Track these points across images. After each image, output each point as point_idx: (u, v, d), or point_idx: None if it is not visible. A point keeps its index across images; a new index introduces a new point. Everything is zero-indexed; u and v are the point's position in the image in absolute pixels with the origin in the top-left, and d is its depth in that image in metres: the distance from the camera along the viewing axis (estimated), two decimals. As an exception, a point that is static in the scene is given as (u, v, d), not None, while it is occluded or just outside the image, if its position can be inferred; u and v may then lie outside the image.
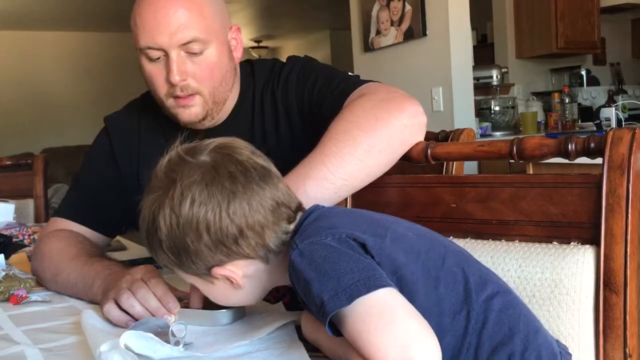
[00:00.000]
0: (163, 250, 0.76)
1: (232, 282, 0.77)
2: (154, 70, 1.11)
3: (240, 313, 0.90)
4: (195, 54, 1.09)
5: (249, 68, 1.26)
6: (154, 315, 0.85)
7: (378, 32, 3.83)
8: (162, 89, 1.12)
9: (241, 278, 0.77)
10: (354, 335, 0.63)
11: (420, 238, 0.75)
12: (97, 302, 0.97)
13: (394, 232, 0.73)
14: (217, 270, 0.76)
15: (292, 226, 0.77)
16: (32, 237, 1.61)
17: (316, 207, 0.79)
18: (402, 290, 0.67)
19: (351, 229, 0.71)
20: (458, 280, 0.72)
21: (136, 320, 0.85)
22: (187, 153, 0.77)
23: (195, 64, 1.10)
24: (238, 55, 1.20)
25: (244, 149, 0.78)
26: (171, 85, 1.10)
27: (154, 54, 1.09)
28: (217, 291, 0.80)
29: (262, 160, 0.79)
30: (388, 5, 3.72)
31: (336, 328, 0.66)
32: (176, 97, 1.11)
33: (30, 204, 2.17)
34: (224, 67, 1.14)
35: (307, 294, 0.67)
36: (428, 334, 0.62)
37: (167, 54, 1.08)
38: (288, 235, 0.76)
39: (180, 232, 0.73)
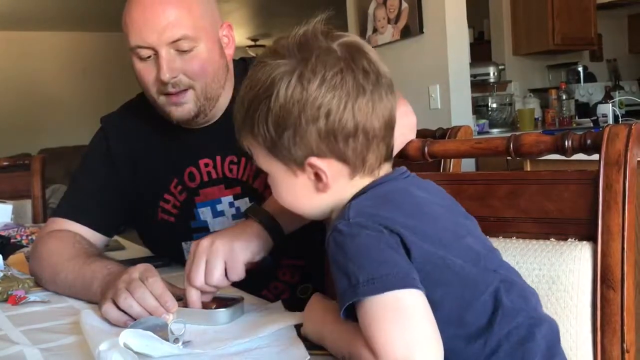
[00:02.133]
0: (266, 121, 0.71)
1: (318, 180, 0.73)
2: (145, 69, 1.11)
3: (239, 312, 0.90)
4: (185, 51, 1.09)
5: (243, 66, 1.26)
6: (152, 315, 0.86)
7: (375, 30, 3.83)
8: (153, 88, 1.12)
9: (328, 182, 0.72)
10: (368, 322, 0.63)
11: (477, 263, 0.72)
12: (95, 302, 0.97)
13: (456, 250, 0.71)
14: (314, 161, 0.71)
15: (367, 179, 0.74)
16: (30, 237, 1.61)
17: (393, 178, 0.75)
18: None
19: (408, 227, 0.68)
20: (487, 310, 0.70)
21: (135, 319, 0.85)
22: (324, 35, 0.73)
23: (185, 61, 1.10)
24: (230, 52, 1.20)
25: (374, 53, 0.74)
26: (162, 83, 1.10)
27: (144, 52, 1.09)
28: (292, 187, 0.75)
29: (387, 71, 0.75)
30: (385, 3, 3.72)
31: (347, 311, 0.66)
32: (168, 95, 1.12)
33: (28, 204, 2.17)
34: (215, 64, 1.14)
35: (340, 266, 0.66)
36: (436, 341, 0.63)
37: (157, 53, 1.08)
38: (365, 176, 0.74)
39: (296, 107, 0.69)
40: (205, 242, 0.89)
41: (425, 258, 0.68)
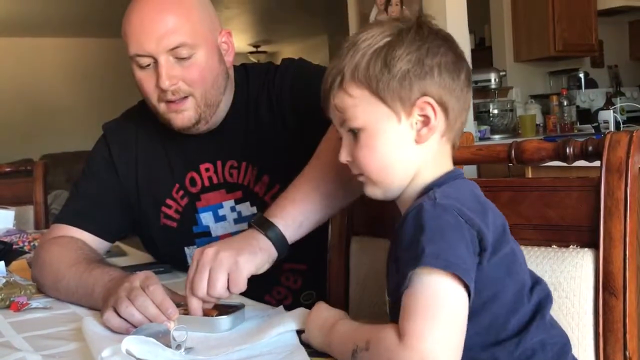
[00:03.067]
0: (386, 60, 0.74)
1: (423, 125, 0.75)
2: (145, 77, 1.12)
3: (240, 319, 0.90)
4: (184, 58, 1.10)
5: (243, 72, 1.27)
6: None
7: (376, 37, 3.84)
8: (153, 95, 1.13)
9: (434, 125, 0.75)
10: (414, 303, 0.65)
11: (523, 268, 0.77)
12: (97, 309, 0.97)
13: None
14: (429, 100, 0.75)
15: (447, 149, 0.79)
16: (32, 243, 1.61)
17: (461, 174, 0.80)
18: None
19: (487, 225, 0.71)
20: (527, 317, 0.74)
21: (136, 327, 0.85)
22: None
23: (184, 68, 1.10)
24: (230, 59, 1.20)
25: None
26: (162, 90, 1.10)
27: (144, 61, 1.10)
28: (390, 136, 0.76)
29: None
30: (386, 9, 3.73)
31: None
32: (168, 102, 1.12)
33: (30, 210, 2.17)
34: (215, 70, 1.15)
35: (411, 240, 0.68)
36: (459, 351, 0.65)
37: (156, 61, 1.09)
38: (447, 144, 0.79)
39: (419, 53, 0.74)
40: (210, 252, 0.88)
41: (493, 260, 0.71)
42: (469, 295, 0.66)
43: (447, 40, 0.78)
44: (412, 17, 0.79)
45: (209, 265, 0.87)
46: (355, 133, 0.77)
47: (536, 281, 0.78)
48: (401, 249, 0.70)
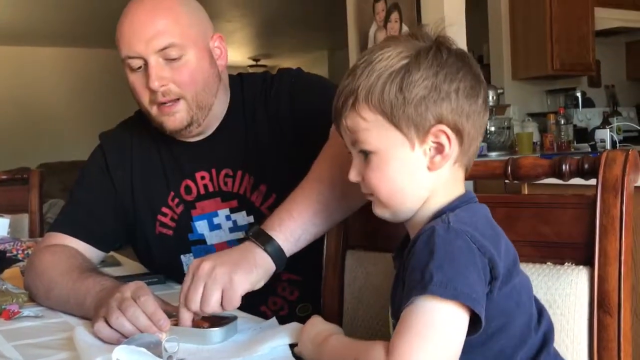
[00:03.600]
0: (401, 85, 0.72)
1: (436, 152, 0.74)
2: (136, 80, 1.13)
3: (232, 331, 0.89)
4: (174, 59, 1.11)
5: (239, 81, 1.27)
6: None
7: (375, 52, 3.86)
8: (145, 98, 1.14)
9: (448, 153, 0.74)
10: (410, 324, 0.64)
11: (531, 298, 0.77)
12: (89, 318, 0.97)
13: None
14: (444, 128, 0.73)
15: (459, 175, 0.77)
16: (26, 252, 1.60)
17: (474, 198, 0.78)
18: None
19: (499, 253, 0.70)
20: (534, 349, 0.74)
21: (127, 338, 0.85)
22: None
23: (174, 70, 1.11)
24: (222, 63, 1.21)
25: None
26: (152, 92, 1.11)
27: (135, 63, 1.11)
28: (403, 162, 0.74)
29: None
30: (385, 25, 3.76)
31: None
32: (160, 105, 1.13)
33: (25, 218, 2.16)
34: (205, 72, 1.15)
35: (420, 263, 0.67)
36: None
37: (146, 62, 1.10)
38: (459, 170, 0.77)
39: (436, 78, 0.72)
40: (206, 267, 0.88)
41: (504, 290, 0.70)
42: (480, 324, 0.65)
43: (465, 63, 0.75)
44: (430, 34, 0.76)
45: (204, 280, 0.87)
46: (366, 154, 0.76)
47: (540, 311, 0.77)
48: (409, 271, 0.68)
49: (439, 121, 0.73)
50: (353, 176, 0.78)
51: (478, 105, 0.75)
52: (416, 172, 0.75)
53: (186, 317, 0.88)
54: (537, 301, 0.78)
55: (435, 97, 0.72)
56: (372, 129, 0.74)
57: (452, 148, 0.74)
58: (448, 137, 0.73)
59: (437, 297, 0.64)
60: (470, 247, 0.67)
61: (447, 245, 0.67)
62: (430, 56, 0.73)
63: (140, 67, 1.12)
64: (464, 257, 0.67)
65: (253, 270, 0.90)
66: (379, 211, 0.78)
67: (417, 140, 0.73)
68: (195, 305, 0.87)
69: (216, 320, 0.90)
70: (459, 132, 0.74)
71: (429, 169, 0.74)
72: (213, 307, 0.86)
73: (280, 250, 0.93)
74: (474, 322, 0.66)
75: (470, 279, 0.65)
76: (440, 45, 0.75)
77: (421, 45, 0.75)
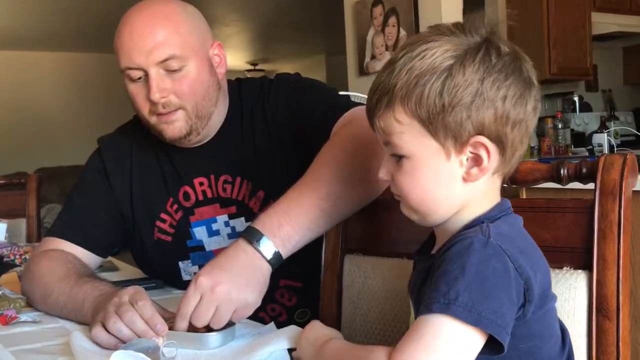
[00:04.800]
0: (441, 91, 0.66)
1: (473, 165, 0.68)
2: (136, 90, 1.12)
3: (230, 336, 0.89)
4: (174, 71, 1.11)
5: (237, 87, 1.27)
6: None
7: (373, 57, 3.86)
8: (144, 108, 1.13)
9: (486, 166, 0.68)
10: (424, 326, 0.62)
11: (556, 319, 0.74)
12: (87, 323, 0.96)
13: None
14: (483, 139, 0.67)
15: (496, 184, 0.72)
16: (23, 257, 1.60)
17: (508, 208, 0.73)
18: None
19: (536, 275, 0.67)
20: None
21: (125, 343, 0.84)
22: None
23: (175, 81, 1.11)
24: (222, 71, 1.21)
25: None
26: (153, 103, 1.11)
27: (135, 74, 1.11)
28: (436, 172, 0.69)
29: None
30: (383, 30, 3.76)
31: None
32: (159, 115, 1.13)
33: (22, 223, 2.16)
34: (205, 82, 1.15)
35: (449, 275, 0.63)
36: None
37: (147, 73, 1.10)
38: (497, 180, 0.72)
39: (478, 84, 0.66)
40: (221, 291, 0.87)
41: (538, 313, 0.67)
42: (502, 350, 0.63)
43: (516, 67, 0.69)
44: (482, 29, 0.70)
45: (217, 303, 0.87)
46: (399, 157, 0.71)
47: (564, 332, 0.75)
48: (437, 277, 0.65)
49: (479, 132, 0.67)
50: (382, 174, 0.73)
51: (526, 112, 0.69)
52: (450, 183, 0.69)
53: (183, 326, 0.88)
54: (560, 322, 0.76)
55: (479, 105, 0.66)
56: (406, 132, 0.68)
57: (492, 161, 0.69)
58: (487, 150, 0.68)
59: (458, 320, 0.61)
60: (507, 268, 0.63)
61: (481, 264, 0.63)
62: (477, 59, 0.67)
63: (140, 78, 1.11)
64: (497, 280, 0.62)
65: (263, 288, 0.92)
66: (406, 212, 0.74)
67: (453, 151, 0.68)
68: (204, 322, 0.87)
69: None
70: (500, 142, 0.68)
71: (464, 180, 0.69)
72: (223, 324, 0.88)
73: (279, 256, 0.93)
74: (497, 342, 0.63)
75: (498, 304, 0.62)
76: (490, 46, 0.68)
77: (470, 43, 0.68)
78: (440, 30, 0.70)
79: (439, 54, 0.67)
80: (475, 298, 0.61)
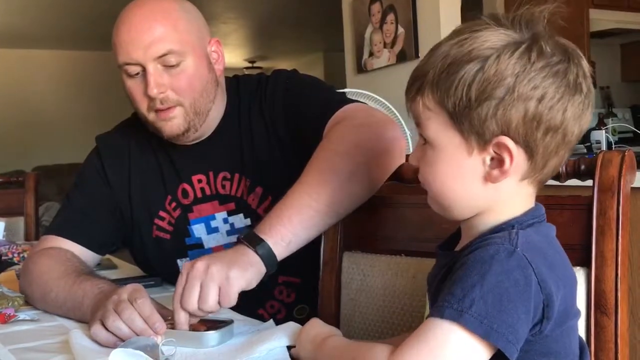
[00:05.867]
0: (471, 84, 0.63)
1: (495, 167, 0.65)
2: (134, 86, 1.13)
3: (228, 335, 0.89)
4: (172, 66, 1.11)
5: (235, 84, 1.27)
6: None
7: (371, 54, 3.86)
8: (142, 104, 1.13)
9: (507, 169, 0.65)
10: (431, 330, 0.61)
11: (576, 335, 0.71)
12: (86, 321, 0.97)
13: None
14: (506, 141, 0.63)
15: (530, 191, 0.68)
16: (21, 255, 1.60)
17: (542, 215, 0.70)
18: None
19: (559, 290, 0.64)
20: None
21: (124, 341, 0.84)
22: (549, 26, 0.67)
23: (173, 76, 1.11)
24: (220, 67, 1.21)
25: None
26: (150, 99, 1.11)
27: (132, 69, 1.11)
28: (457, 166, 0.66)
29: None
30: (381, 27, 3.76)
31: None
32: (157, 111, 1.13)
33: (20, 221, 2.16)
34: (203, 79, 1.15)
35: (466, 281, 0.61)
36: None
37: (144, 69, 1.10)
38: (530, 186, 0.68)
39: (511, 80, 0.62)
40: (200, 266, 0.88)
41: (557, 331, 0.65)
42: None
43: (560, 70, 0.64)
44: (538, 25, 0.66)
45: (200, 279, 0.87)
46: (425, 141, 0.69)
47: (583, 348, 0.73)
48: (454, 279, 0.63)
49: (505, 132, 0.63)
50: (412, 159, 0.72)
51: (564, 119, 0.64)
52: (469, 181, 0.66)
53: (182, 319, 0.87)
54: (580, 339, 0.74)
55: (509, 103, 0.62)
56: (433, 119, 0.66)
57: (515, 165, 0.65)
58: (510, 153, 0.64)
59: (467, 330, 0.60)
60: (529, 282, 0.61)
61: (502, 275, 0.60)
62: (516, 55, 0.63)
63: (137, 74, 1.11)
64: (517, 293, 0.60)
65: (248, 268, 0.90)
66: (429, 202, 0.72)
67: (476, 147, 0.65)
68: (192, 305, 0.86)
69: (213, 324, 0.89)
70: (528, 147, 0.64)
71: (485, 180, 0.66)
72: (211, 305, 0.86)
73: (271, 252, 0.93)
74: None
75: (513, 318, 0.60)
76: (534, 43, 0.64)
77: (515, 37, 0.64)
78: (490, 21, 0.66)
79: (477, 44, 0.64)
80: (489, 309, 0.59)
